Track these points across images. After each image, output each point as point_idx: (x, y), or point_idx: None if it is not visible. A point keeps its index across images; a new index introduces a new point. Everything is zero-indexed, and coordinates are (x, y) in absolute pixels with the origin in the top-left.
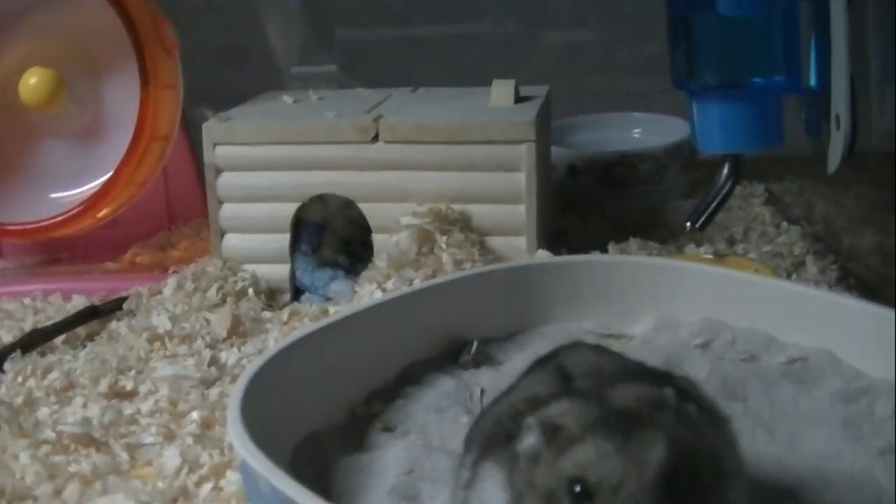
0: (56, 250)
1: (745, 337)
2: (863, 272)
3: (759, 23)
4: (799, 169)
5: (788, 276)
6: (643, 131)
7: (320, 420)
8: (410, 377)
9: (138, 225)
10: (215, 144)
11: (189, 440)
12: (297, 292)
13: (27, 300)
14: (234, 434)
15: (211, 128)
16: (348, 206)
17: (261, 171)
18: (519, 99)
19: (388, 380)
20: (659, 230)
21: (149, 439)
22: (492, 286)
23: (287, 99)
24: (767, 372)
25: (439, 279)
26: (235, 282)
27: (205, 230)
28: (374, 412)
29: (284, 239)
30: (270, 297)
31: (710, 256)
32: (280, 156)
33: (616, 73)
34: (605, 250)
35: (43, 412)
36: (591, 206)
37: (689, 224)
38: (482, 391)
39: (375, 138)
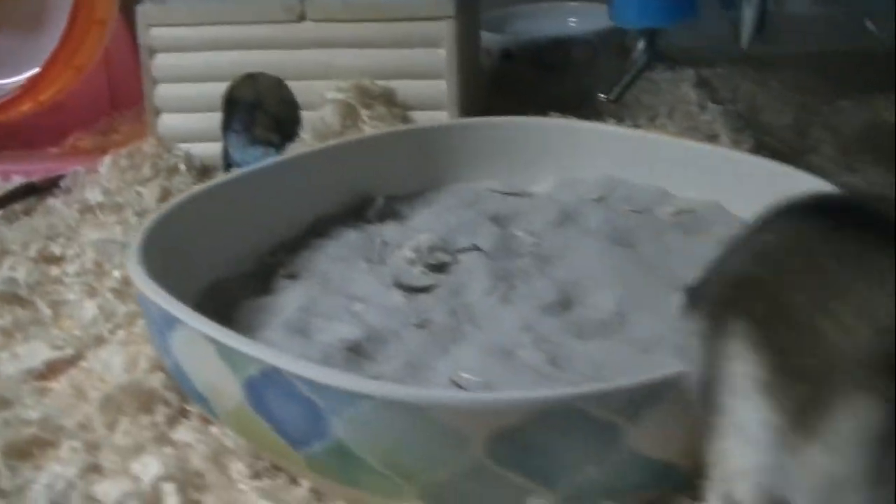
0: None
1: (640, 192)
2: (776, 145)
3: None
4: (731, 57)
5: None
6: (578, 20)
7: (227, 268)
8: (318, 230)
9: (81, 111)
10: (149, 26)
11: (109, 295)
12: (229, 169)
13: None
14: (131, 269)
15: (145, 10)
16: (280, 85)
17: (194, 51)
18: None
19: (297, 232)
20: (586, 110)
21: (72, 297)
22: (399, 146)
23: None
24: (657, 222)
25: (348, 138)
26: (168, 158)
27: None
28: (280, 261)
29: (218, 118)
30: (203, 173)
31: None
32: (212, 36)
33: None
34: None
35: None
36: (525, 89)
37: (604, 96)
38: (384, 242)
39: (303, 17)
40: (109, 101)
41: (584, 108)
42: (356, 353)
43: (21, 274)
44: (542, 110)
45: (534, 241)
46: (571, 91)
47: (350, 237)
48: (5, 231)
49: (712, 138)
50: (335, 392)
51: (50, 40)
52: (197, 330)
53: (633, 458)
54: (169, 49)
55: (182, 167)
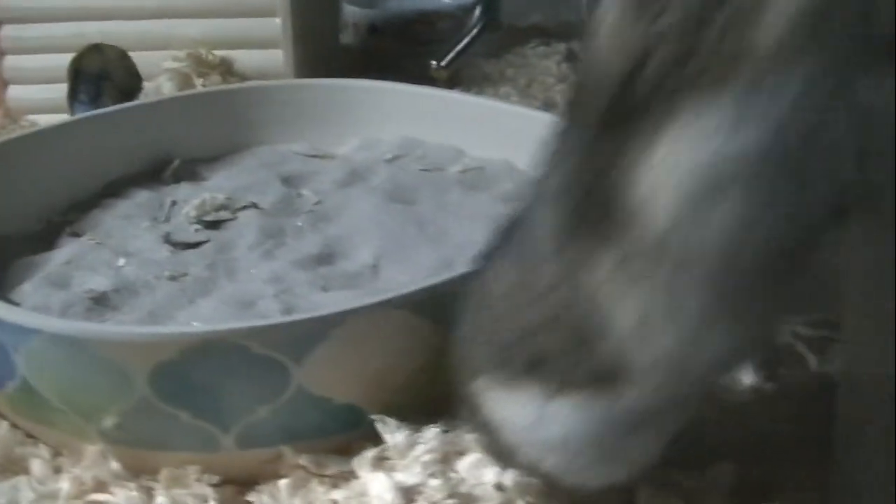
0: None
1: (436, 152)
2: None
3: None
4: None
5: None
6: None
7: (10, 227)
8: (113, 190)
9: None
10: None
11: None
12: None
13: None
14: None
15: None
16: (125, 56)
17: (39, 22)
18: None
19: (91, 192)
20: (459, 85)
21: None
22: (200, 108)
23: None
24: (443, 180)
25: (148, 99)
26: (14, 129)
27: None
28: (68, 220)
29: (65, 89)
30: None
31: None
32: (58, 6)
33: None
34: None
35: None
36: (392, 63)
37: (434, 63)
38: (173, 202)
39: None
40: None
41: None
42: (100, 304)
43: None
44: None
45: (317, 199)
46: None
47: (142, 197)
48: None
49: (551, 105)
50: (13, 328)
51: None
52: None
53: (306, 398)
54: (15, 20)
55: None
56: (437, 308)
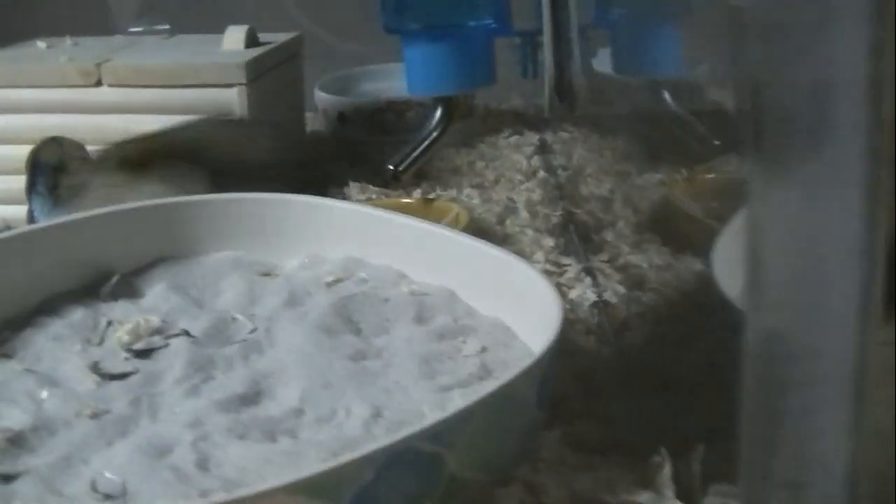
0: None
1: (379, 274)
2: (585, 218)
3: None
4: (579, 120)
5: (500, 222)
6: None
7: None
8: (48, 308)
9: None
10: None
11: None
12: None
13: None
14: None
15: None
16: (83, 149)
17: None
18: (254, 44)
19: (25, 310)
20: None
21: None
22: (141, 221)
23: (41, 44)
24: (382, 307)
25: (86, 213)
26: None
27: None
28: (2, 339)
29: (20, 180)
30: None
31: (412, 201)
32: (14, 98)
33: None
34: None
35: None
36: (360, 151)
37: (391, 167)
38: (108, 322)
39: (99, 82)
40: None
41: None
42: (17, 445)
43: None
44: (362, 174)
45: (252, 327)
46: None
47: (75, 315)
48: None
49: (511, 211)
50: None
51: None
52: None
53: None
54: None
55: None
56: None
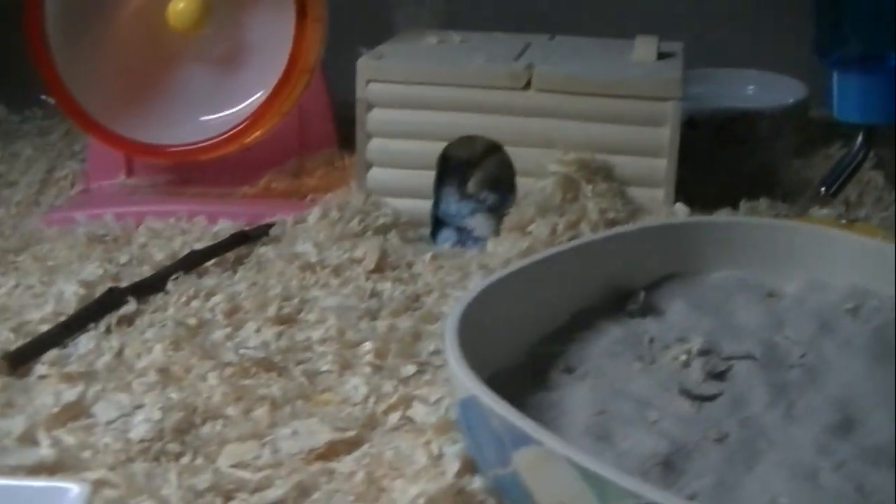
0: (186, 170)
1: (889, 305)
2: None
3: None
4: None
5: None
6: (756, 88)
7: (502, 361)
8: (582, 324)
9: (269, 150)
10: (368, 81)
11: (367, 370)
12: (437, 223)
13: (172, 220)
14: (461, 374)
15: (364, 64)
16: (497, 147)
17: (411, 109)
18: (660, 55)
19: (561, 325)
20: (777, 188)
21: (325, 367)
22: (652, 240)
23: (431, 39)
24: None
25: (608, 232)
26: (377, 216)
27: (337, 160)
28: (552, 353)
29: (429, 174)
30: (410, 229)
31: (844, 221)
32: (432, 96)
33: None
34: (730, 205)
35: (218, 335)
36: (706, 157)
37: (822, 189)
38: (650, 339)
39: (527, 86)
40: (298, 142)
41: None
42: (668, 468)
43: (269, 337)
44: (730, 185)
45: (799, 350)
46: (753, 164)
47: (615, 332)
48: (230, 285)
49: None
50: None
51: (244, 79)
52: (559, 453)
53: None
54: (385, 105)
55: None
56: None
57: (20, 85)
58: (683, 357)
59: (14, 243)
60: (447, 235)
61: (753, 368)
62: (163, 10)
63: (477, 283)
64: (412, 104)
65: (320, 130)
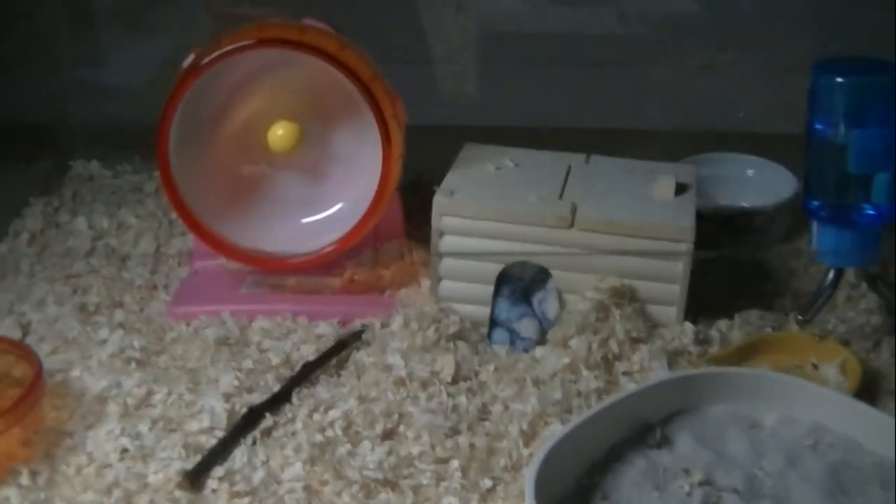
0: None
1: (839, 442)
2: None
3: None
4: None
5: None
6: (755, 174)
7: (558, 490)
8: (614, 456)
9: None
10: (442, 215)
11: (457, 485)
12: (492, 325)
13: (279, 318)
14: None
15: (440, 202)
16: (545, 272)
17: (475, 237)
18: (678, 189)
19: (599, 458)
20: (769, 284)
21: (425, 481)
22: (670, 388)
23: (489, 166)
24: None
25: (641, 387)
26: (448, 324)
27: (406, 252)
28: (594, 484)
29: (488, 288)
30: (473, 331)
31: (805, 336)
32: (492, 228)
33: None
34: (728, 306)
35: (341, 451)
36: (709, 246)
37: (799, 317)
38: (663, 469)
39: (571, 225)
40: (373, 235)
41: (768, 283)
42: None
43: (381, 455)
44: (730, 279)
45: (772, 482)
46: (748, 252)
47: (639, 464)
48: (338, 396)
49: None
50: None
51: (331, 186)
52: None
53: None
54: (455, 233)
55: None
56: None
57: (109, 140)
58: (687, 488)
59: (151, 341)
60: (500, 335)
61: (737, 500)
62: (264, 129)
63: (547, 440)
64: (476, 234)
65: (391, 222)
